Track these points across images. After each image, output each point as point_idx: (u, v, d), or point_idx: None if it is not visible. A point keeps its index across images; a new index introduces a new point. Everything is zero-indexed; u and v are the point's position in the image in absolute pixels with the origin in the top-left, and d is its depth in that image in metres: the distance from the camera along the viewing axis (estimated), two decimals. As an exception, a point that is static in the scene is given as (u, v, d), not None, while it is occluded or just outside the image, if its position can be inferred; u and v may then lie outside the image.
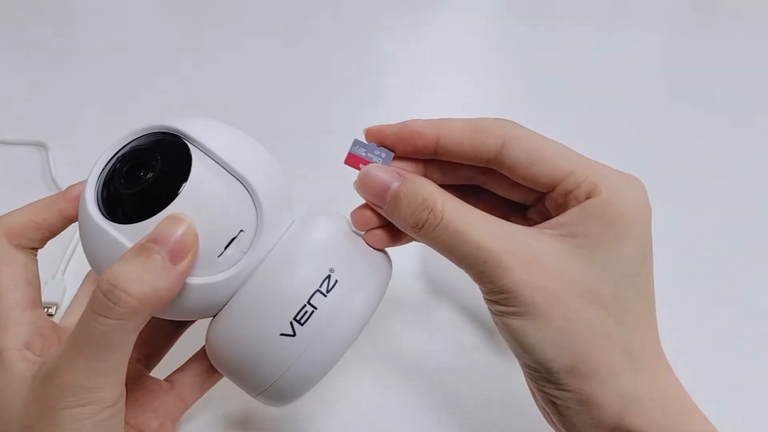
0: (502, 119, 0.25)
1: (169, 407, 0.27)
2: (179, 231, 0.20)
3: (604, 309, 0.22)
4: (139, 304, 0.19)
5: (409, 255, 0.41)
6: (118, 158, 0.23)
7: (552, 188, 0.24)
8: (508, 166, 0.24)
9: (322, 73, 0.60)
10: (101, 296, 0.19)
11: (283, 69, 0.60)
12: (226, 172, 0.22)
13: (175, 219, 0.21)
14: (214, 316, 0.24)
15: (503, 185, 0.27)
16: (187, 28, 0.67)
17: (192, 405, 0.29)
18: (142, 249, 0.20)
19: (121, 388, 0.21)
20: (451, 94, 0.58)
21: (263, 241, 0.23)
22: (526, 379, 0.26)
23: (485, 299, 0.23)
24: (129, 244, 0.21)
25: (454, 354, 0.36)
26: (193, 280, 0.22)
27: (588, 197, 0.22)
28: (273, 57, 0.62)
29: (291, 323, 0.22)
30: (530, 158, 0.23)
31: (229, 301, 0.23)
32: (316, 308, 0.22)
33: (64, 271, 0.39)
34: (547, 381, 0.23)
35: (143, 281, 0.20)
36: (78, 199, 0.25)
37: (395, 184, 0.23)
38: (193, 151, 0.22)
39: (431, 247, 0.23)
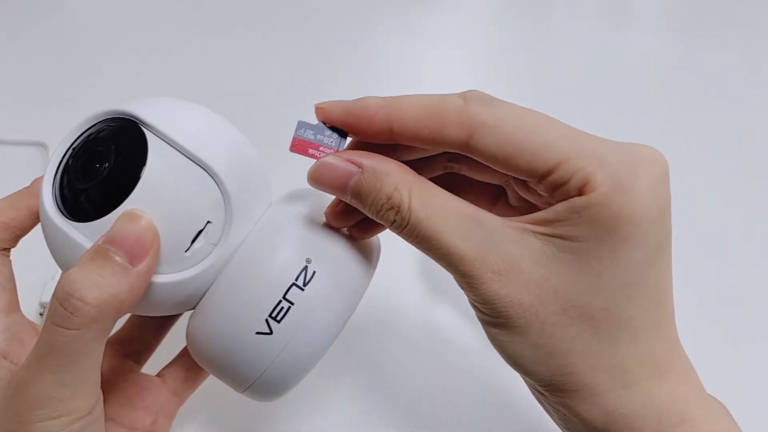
0: (467, 96, 0.21)
1: (161, 403, 0.26)
2: (136, 229, 0.19)
3: (592, 326, 0.19)
4: (97, 312, 0.18)
5: (409, 255, 0.41)
6: (73, 150, 0.21)
7: (539, 180, 0.20)
8: (481, 158, 0.20)
9: (321, 72, 0.60)
10: (58, 306, 0.18)
11: (281, 68, 0.60)
12: (187, 159, 0.20)
13: (132, 216, 0.19)
14: (194, 308, 0.22)
15: (483, 172, 0.23)
16: (187, 28, 0.67)
17: (186, 399, 0.28)
18: (98, 252, 0.19)
19: (96, 396, 0.20)
20: (451, 93, 0.58)
21: (234, 232, 0.21)
22: None
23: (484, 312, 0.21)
24: (89, 245, 0.19)
25: (454, 355, 0.36)
26: (160, 278, 0.20)
27: (580, 193, 0.18)
28: (271, 56, 0.62)
29: (266, 321, 0.20)
30: (504, 151, 0.19)
31: (205, 293, 0.21)
32: (293, 303, 0.20)
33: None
34: (534, 388, 0.22)
35: (100, 287, 0.18)
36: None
37: (353, 178, 0.20)
38: (150, 137, 0.20)
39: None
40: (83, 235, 0.20)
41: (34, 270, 0.39)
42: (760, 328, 0.37)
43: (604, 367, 0.19)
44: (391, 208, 0.19)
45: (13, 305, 0.24)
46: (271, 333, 0.20)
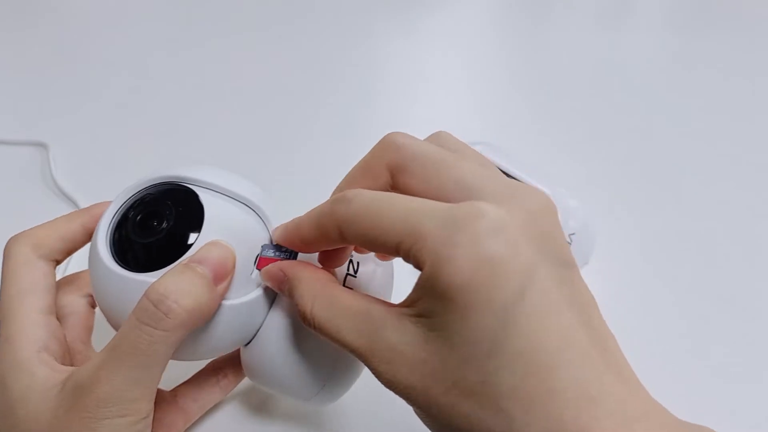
0: (331, 199, 0.21)
1: (170, 418, 0.27)
2: (220, 253, 0.21)
3: (478, 402, 0.17)
4: (187, 317, 0.20)
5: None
6: (128, 207, 0.24)
7: (399, 256, 0.20)
8: (358, 245, 0.23)
9: (320, 73, 0.60)
10: (151, 306, 0.20)
11: (281, 69, 0.60)
12: (231, 199, 0.24)
13: (216, 243, 0.22)
14: (249, 342, 0.24)
15: None
16: (187, 28, 0.67)
17: (194, 419, 0.29)
18: (188, 267, 0.21)
19: (153, 400, 0.21)
20: (450, 92, 0.58)
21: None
22: None
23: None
24: (140, 294, 0.21)
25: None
26: (228, 302, 0.22)
27: (420, 269, 0.18)
28: (270, 57, 0.62)
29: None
30: (365, 237, 0.20)
31: (264, 322, 0.24)
32: None
33: (64, 271, 0.39)
34: None
35: (191, 295, 0.20)
36: (98, 216, 0.25)
37: (285, 284, 0.22)
38: (199, 190, 0.24)
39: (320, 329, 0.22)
40: (136, 283, 0.21)
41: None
42: (760, 328, 0.37)
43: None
44: (302, 312, 0.21)
45: (52, 309, 0.25)
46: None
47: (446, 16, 0.70)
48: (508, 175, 0.37)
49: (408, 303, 0.19)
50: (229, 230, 0.23)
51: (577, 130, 0.54)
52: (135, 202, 0.24)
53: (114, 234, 0.23)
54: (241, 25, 0.67)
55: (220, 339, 0.23)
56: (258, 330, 0.24)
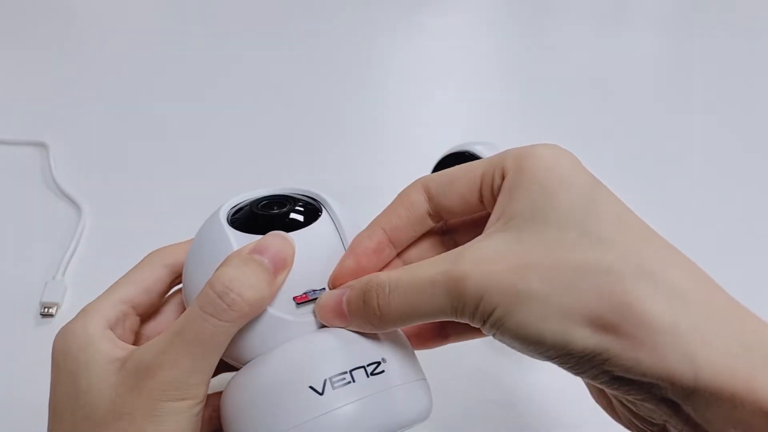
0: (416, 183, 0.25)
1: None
2: (281, 244, 0.22)
3: (583, 248, 0.19)
4: (249, 310, 0.21)
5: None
6: (261, 198, 0.26)
7: (481, 198, 0.23)
8: (439, 205, 0.24)
9: (321, 73, 0.60)
10: (215, 297, 0.20)
11: (280, 69, 0.60)
12: (339, 239, 0.24)
13: (278, 235, 0.22)
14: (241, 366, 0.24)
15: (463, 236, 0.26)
16: (187, 28, 0.67)
17: None
18: (251, 259, 0.21)
19: (208, 386, 0.22)
20: (451, 92, 0.58)
21: None
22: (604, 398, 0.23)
23: (488, 333, 0.21)
24: (235, 246, 0.22)
25: (454, 355, 0.36)
26: (270, 310, 0.22)
27: (502, 181, 0.22)
28: (275, 58, 0.62)
29: (325, 381, 0.21)
30: (446, 185, 0.23)
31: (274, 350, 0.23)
32: (354, 381, 0.22)
33: (64, 272, 0.39)
34: (589, 358, 0.18)
35: (254, 288, 0.21)
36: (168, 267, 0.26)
37: (345, 295, 0.23)
38: (324, 212, 0.25)
39: (399, 326, 0.22)
40: (236, 239, 0.23)
41: (35, 270, 0.39)
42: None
43: (633, 276, 0.18)
44: (371, 289, 0.22)
45: (136, 306, 0.25)
46: (322, 394, 0.21)
47: (447, 18, 0.71)
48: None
49: (491, 223, 0.21)
50: (313, 251, 0.23)
51: (577, 129, 0.54)
52: (269, 196, 0.26)
53: (236, 211, 0.25)
54: (243, 27, 0.67)
55: (247, 344, 0.23)
56: (262, 354, 0.23)
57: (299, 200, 0.25)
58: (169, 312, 0.27)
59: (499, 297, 0.19)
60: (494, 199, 0.22)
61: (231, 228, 0.23)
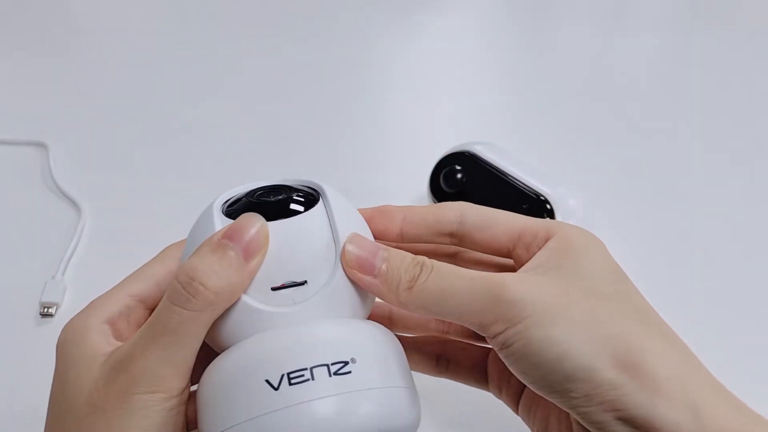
0: (459, 202, 0.26)
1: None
2: (253, 229, 0.21)
3: (616, 302, 0.21)
4: (215, 298, 0.20)
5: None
6: (259, 188, 0.25)
7: (512, 246, 0.25)
8: (469, 233, 0.25)
9: (320, 74, 0.60)
10: (180, 288, 0.20)
11: (281, 69, 0.60)
12: (330, 231, 0.23)
13: (251, 217, 0.22)
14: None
15: (467, 265, 0.27)
16: (185, 28, 0.67)
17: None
18: (219, 245, 0.21)
19: (187, 379, 0.21)
20: (451, 92, 0.58)
21: (314, 306, 0.22)
22: None
23: (499, 347, 0.21)
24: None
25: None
26: (244, 298, 0.22)
27: (547, 240, 0.23)
28: (274, 58, 0.62)
29: (282, 376, 0.20)
30: (487, 222, 0.25)
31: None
32: (313, 379, 0.20)
33: (64, 271, 0.39)
34: (601, 388, 0.19)
35: (219, 275, 0.20)
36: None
37: (382, 252, 0.23)
38: (320, 202, 0.24)
39: (419, 308, 0.22)
40: (221, 224, 0.23)
41: (34, 270, 0.39)
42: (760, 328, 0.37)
43: (653, 328, 0.21)
44: (417, 264, 0.22)
45: (145, 300, 0.24)
46: (277, 389, 0.20)
47: (447, 18, 0.71)
48: (507, 175, 0.37)
49: (527, 268, 0.23)
50: (298, 241, 0.23)
51: (577, 130, 0.54)
52: (269, 186, 0.25)
53: (232, 201, 0.24)
54: (243, 27, 0.67)
55: (221, 331, 0.22)
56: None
57: (298, 190, 0.24)
58: None
59: (535, 308, 0.20)
60: (527, 253, 0.24)
61: (222, 216, 0.23)
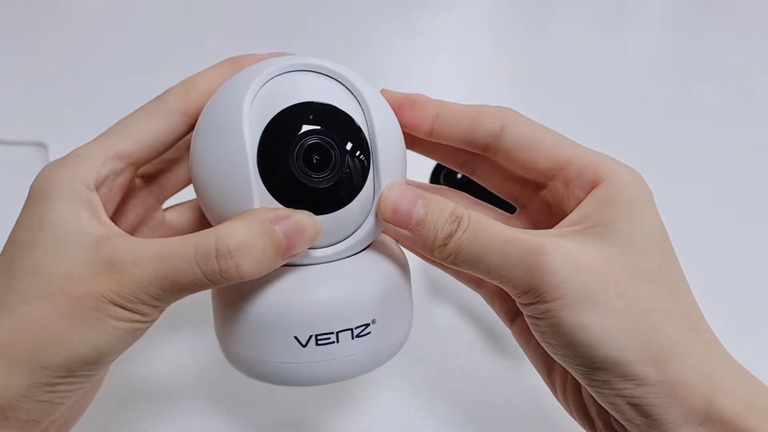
0: (502, 107, 0.24)
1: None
2: (308, 237, 0.20)
3: (654, 284, 0.20)
4: (240, 278, 0.20)
5: (408, 255, 0.41)
6: (286, 120, 0.21)
7: (551, 176, 0.23)
8: (505, 151, 0.23)
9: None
10: (213, 254, 0.19)
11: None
12: (372, 183, 0.22)
13: (313, 225, 0.20)
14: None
15: (495, 177, 0.26)
16: (187, 27, 0.67)
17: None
18: (269, 233, 0.19)
19: (161, 313, 0.21)
20: (451, 92, 0.58)
21: (346, 245, 0.22)
22: (579, 398, 0.23)
23: (528, 315, 0.21)
24: (257, 200, 0.20)
25: (454, 354, 0.36)
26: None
27: (593, 186, 0.22)
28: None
29: (310, 337, 0.21)
30: (529, 143, 0.23)
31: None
32: (338, 342, 0.22)
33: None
34: (624, 379, 0.19)
35: (256, 262, 0.19)
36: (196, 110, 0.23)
37: (420, 201, 0.21)
38: (370, 172, 0.22)
39: (456, 265, 0.21)
40: (260, 197, 0.20)
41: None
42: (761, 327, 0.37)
43: (682, 323, 0.20)
44: (455, 219, 0.21)
45: (135, 161, 0.22)
46: (304, 346, 0.21)
47: (447, 17, 0.70)
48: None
49: (571, 222, 0.21)
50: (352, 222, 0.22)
51: (577, 129, 0.54)
52: (315, 130, 0.21)
53: (264, 150, 0.20)
54: (242, 25, 0.67)
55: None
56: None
57: (351, 151, 0.21)
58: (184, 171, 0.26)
59: (571, 289, 0.19)
60: (565, 189, 0.22)
61: (261, 184, 0.20)
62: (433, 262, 0.26)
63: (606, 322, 0.19)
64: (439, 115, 0.24)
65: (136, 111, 0.23)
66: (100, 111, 0.55)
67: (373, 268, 0.23)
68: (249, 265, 0.19)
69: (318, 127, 0.21)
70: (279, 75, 0.22)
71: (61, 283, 0.19)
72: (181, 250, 0.19)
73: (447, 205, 0.21)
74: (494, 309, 0.27)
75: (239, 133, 0.20)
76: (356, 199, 0.21)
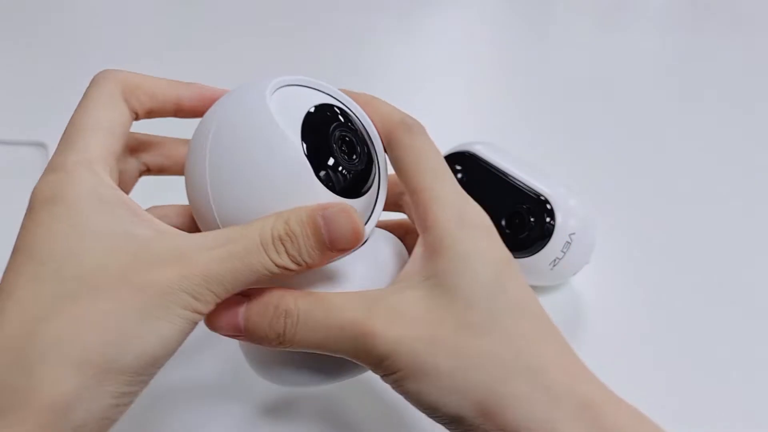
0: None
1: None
2: (354, 237, 0.20)
3: (484, 336, 0.20)
4: (281, 276, 0.20)
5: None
6: (325, 114, 0.23)
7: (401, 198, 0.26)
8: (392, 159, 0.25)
9: (322, 73, 0.60)
10: (271, 244, 0.20)
11: (279, 68, 0.60)
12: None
13: (361, 233, 0.21)
14: None
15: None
16: (186, 27, 0.67)
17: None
18: (317, 233, 0.20)
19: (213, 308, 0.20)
20: (451, 92, 0.58)
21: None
22: None
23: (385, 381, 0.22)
24: (324, 199, 0.21)
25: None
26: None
27: (424, 231, 0.22)
28: (270, 56, 0.62)
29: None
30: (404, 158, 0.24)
31: None
32: None
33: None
34: (471, 429, 0.21)
35: (303, 256, 0.20)
36: (208, 101, 0.24)
37: (242, 308, 0.21)
38: (374, 168, 0.24)
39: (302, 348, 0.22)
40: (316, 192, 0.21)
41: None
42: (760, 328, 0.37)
43: (517, 373, 0.20)
44: (280, 315, 0.21)
45: (118, 158, 0.23)
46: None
47: (446, 17, 0.70)
48: (507, 175, 0.37)
49: (408, 273, 0.22)
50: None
51: (577, 129, 0.54)
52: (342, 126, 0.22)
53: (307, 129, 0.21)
54: (242, 27, 0.67)
55: None
56: None
57: (360, 142, 0.23)
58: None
59: (405, 363, 0.20)
60: (408, 211, 0.25)
61: (312, 173, 0.21)
62: None
63: (440, 385, 0.20)
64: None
65: (86, 107, 0.23)
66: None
67: (389, 250, 0.25)
68: (285, 260, 0.20)
69: (342, 120, 0.22)
70: (280, 88, 0.23)
71: (119, 275, 0.18)
72: (246, 244, 0.20)
73: (269, 303, 0.21)
74: None
75: (279, 133, 0.20)
76: (374, 180, 0.23)
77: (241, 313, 0.21)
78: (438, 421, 0.21)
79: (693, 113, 0.56)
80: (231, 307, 0.21)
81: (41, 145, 0.48)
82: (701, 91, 0.59)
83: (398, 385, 0.21)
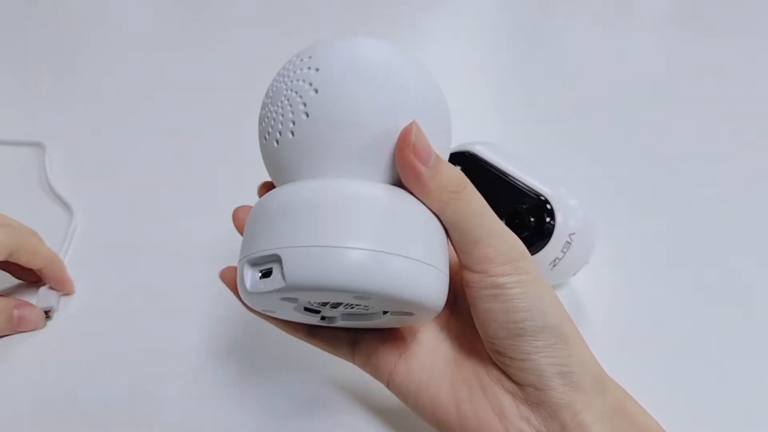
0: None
1: None
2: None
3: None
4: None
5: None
6: None
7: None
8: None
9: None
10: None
11: (277, 68, 0.60)
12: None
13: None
14: None
15: None
16: (184, 30, 0.67)
17: None
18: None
19: None
20: (450, 92, 0.57)
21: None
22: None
23: (487, 286, 0.24)
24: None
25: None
26: None
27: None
28: (270, 56, 0.62)
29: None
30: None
31: None
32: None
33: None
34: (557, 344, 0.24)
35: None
36: None
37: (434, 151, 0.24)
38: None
39: (453, 216, 0.23)
40: None
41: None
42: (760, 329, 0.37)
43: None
44: (465, 178, 0.25)
45: None
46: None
47: (447, 16, 0.70)
48: (508, 175, 0.37)
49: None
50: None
51: (578, 129, 0.54)
52: None
53: None
54: (243, 29, 0.67)
55: None
56: None
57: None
58: None
59: (537, 273, 0.24)
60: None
61: None
62: None
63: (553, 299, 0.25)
64: None
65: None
66: (98, 112, 0.54)
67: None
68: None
69: None
70: None
71: None
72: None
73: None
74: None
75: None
76: None
77: (434, 152, 0.25)
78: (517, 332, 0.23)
79: (693, 113, 0.56)
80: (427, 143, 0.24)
81: (38, 145, 0.48)
82: (701, 92, 0.59)
83: (520, 285, 0.23)
